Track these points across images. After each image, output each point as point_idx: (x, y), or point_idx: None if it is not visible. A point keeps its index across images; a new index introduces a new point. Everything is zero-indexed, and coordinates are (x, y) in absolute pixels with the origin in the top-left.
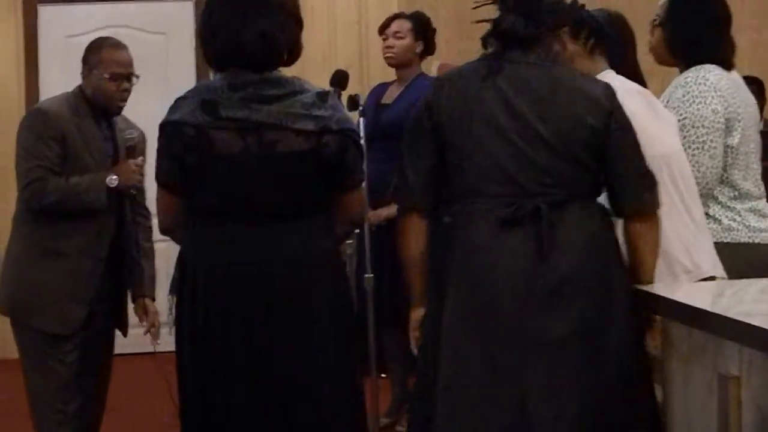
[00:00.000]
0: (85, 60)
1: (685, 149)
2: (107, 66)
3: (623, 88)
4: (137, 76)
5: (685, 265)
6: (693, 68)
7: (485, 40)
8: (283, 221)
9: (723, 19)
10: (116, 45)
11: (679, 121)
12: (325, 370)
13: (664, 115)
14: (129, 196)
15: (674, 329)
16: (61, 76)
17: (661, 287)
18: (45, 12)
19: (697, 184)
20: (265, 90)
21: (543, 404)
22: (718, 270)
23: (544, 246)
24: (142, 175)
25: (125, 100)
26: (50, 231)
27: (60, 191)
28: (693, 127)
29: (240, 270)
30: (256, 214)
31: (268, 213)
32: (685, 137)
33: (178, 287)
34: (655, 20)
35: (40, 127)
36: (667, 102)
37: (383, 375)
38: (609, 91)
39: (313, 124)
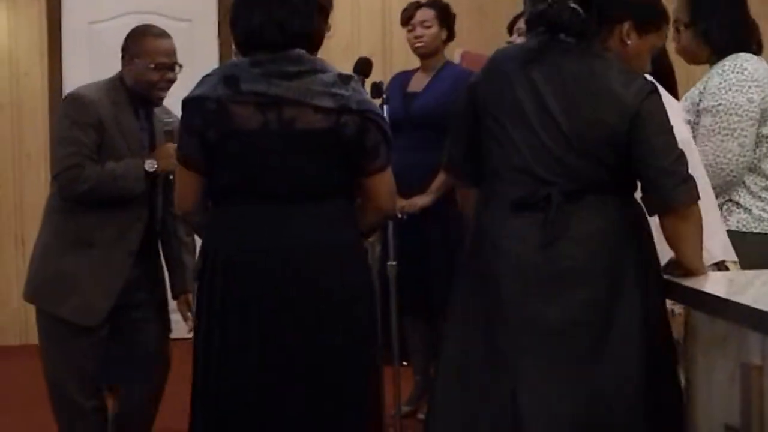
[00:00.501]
0: (126, 48)
1: (713, 135)
2: (152, 55)
3: None
4: (181, 66)
5: None
6: (730, 57)
7: (530, 24)
8: (301, 204)
9: (744, 3)
10: (161, 34)
11: (713, 107)
12: (338, 358)
13: (670, 103)
14: (165, 190)
15: (697, 318)
16: (84, 63)
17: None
18: None
19: (721, 170)
20: (285, 66)
21: (533, 400)
22: (729, 254)
23: (548, 233)
24: None
25: (167, 90)
26: (82, 221)
27: (95, 178)
28: (726, 113)
29: (254, 257)
30: (273, 195)
31: (286, 194)
32: (716, 123)
33: (199, 273)
34: (677, 23)
35: (77, 113)
36: (703, 89)
37: (405, 363)
38: (643, 90)
39: (333, 101)
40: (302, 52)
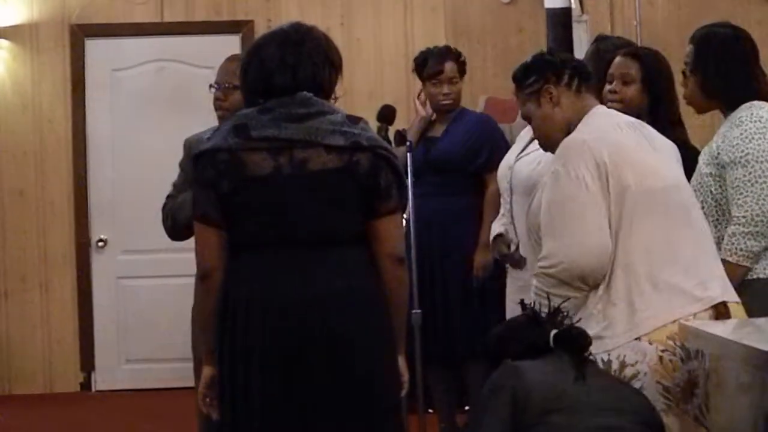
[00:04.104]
0: None
1: (750, 185)
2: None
3: (613, 123)
4: (217, 86)
5: (695, 294)
6: (743, 107)
7: None
8: (320, 250)
9: (752, 54)
10: (228, 58)
11: (741, 158)
12: (363, 408)
13: (661, 145)
14: None
15: (722, 366)
16: (107, 110)
17: (708, 324)
18: (92, 46)
19: (762, 218)
20: (294, 109)
21: None
22: (730, 295)
23: None
24: None
25: (217, 110)
26: None
27: (169, 210)
28: (757, 162)
29: (276, 303)
30: (291, 242)
31: (305, 239)
32: (750, 173)
33: (220, 317)
34: (685, 70)
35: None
36: (722, 141)
37: (430, 411)
38: None
39: (344, 139)
40: (310, 94)
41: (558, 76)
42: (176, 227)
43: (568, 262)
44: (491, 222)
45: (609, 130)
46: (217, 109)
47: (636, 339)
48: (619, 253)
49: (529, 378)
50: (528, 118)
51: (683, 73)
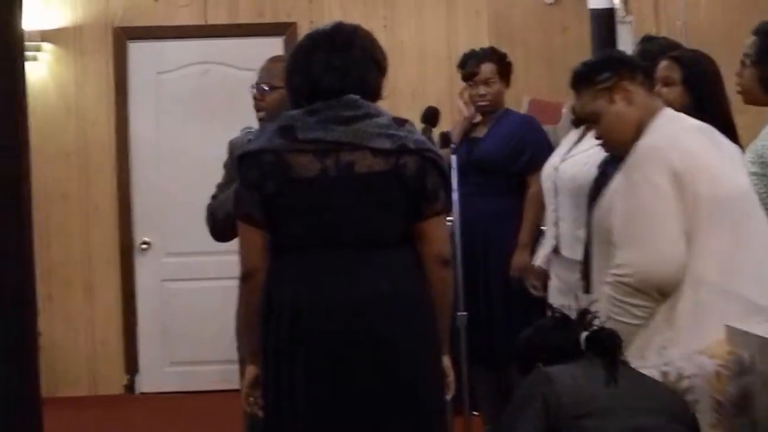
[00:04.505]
0: None
1: None
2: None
3: (682, 127)
4: (265, 88)
5: (762, 305)
6: None
7: None
8: (366, 252)
9: None
10: (270, 58)
11: None
12: (408, 410)
13: (728, 150)
14: None
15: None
16: (151, 113)
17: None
18: (135, 48)
19: None
20: (341, 111)
21: None
22: None
23: None
24: None
25: (258, 111)
26: None
27: (211, 210)
28: None
29: (321, 305)
30: (337, 244)
31: (350, 241)
32: None
33: (265, 318)
34: (744, 59)
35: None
36: None
37: (475, 413)
38: None
39: (390, 142)
40: (356, 97)
41: (632, 74)
42: (216, 226)
43: (646, 271)
44: (532, 223)
45: (680, 136)
46: (256, 109)
47: (697, 352)
48: (689, 262)
49: (560, 384)
50: (594, 115)
51: (742, 62)
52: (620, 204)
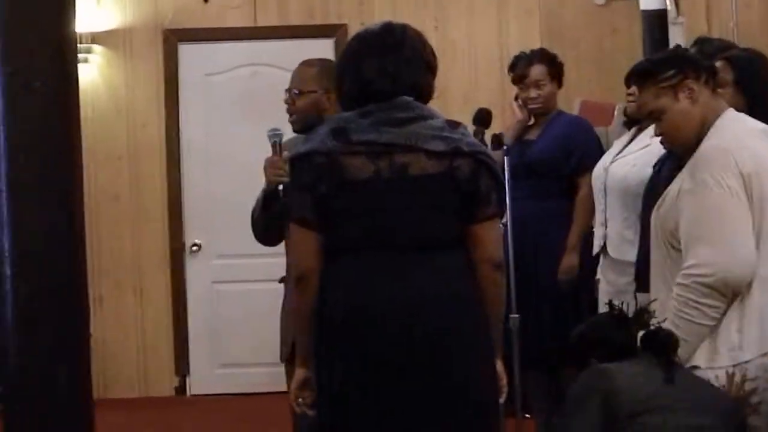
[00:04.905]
0: None
1: None
2: None
3: (747, 129)
4: (295, 92)
5: None
6: None
7: None
8: (419, 254)
9: None
10: (301, 62)
11: None
12: (460, 412)
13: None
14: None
15: None
16: (200, 114)
17: None
18: (185, 50)
19: None
20: (394, 113)
21: None
22: None
23: None
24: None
25: (290, 115)
26: None
27: (252, 214)
28: None
29: (375, 307)
30: (390, 246)
31: (404, 243)
32: None
33: (317, 320)
34: None
35: None
36: None
37: (528, 415)
38: None
39: (444, 144)
40: (410, 99)
41: (697, 72)
42: (255, 228)
43: (725, 270)
44: (581, 226)
45: (745, 138)
46: (288, 114)
47: (763, 355)
48: (758, 263)
49: (618, 381)
50: (657, 112)
51: None
52: (688, 204)
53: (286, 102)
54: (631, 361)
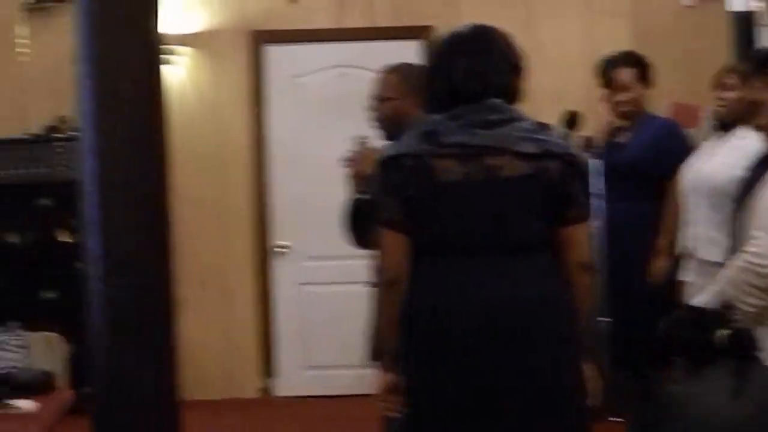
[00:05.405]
0: None
1: None
2: None
3: None
4: (379, 99)
5: None
6: None
7: None
8: (509, 257)
9: None
10: (384, 68)
11: None
12: (551, 416)
13: None
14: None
15: None
16: (288, 116)
17: None
18: (272, 52)
19: None
20: (484, 116)
21: None
22: None
23: None
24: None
25: (373, 121)
26: None
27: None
28: None
29: (467, 309)
30: (481, 249)
31: (493, 247)
32: None
33: (406, 324)
34: None
35: None
36: None
37: (618, 419)
38: None
39: (535, 146)
40: (499, 101)
41: None
42: (348, 233)
43: None
44: (670, 228)
45: None
46: (371, 120)
47: None
48: None
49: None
50: (763, 104)
51: None
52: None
53: (370, 109)
54: (707, 374)
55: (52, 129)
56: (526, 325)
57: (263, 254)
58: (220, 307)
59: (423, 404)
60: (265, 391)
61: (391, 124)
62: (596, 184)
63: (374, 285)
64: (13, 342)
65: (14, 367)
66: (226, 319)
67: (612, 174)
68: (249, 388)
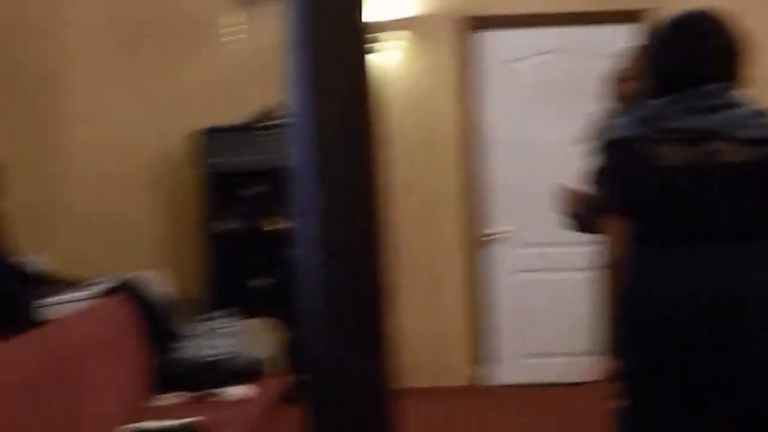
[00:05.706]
0: None
1: None
2: None
3: None
4: (623, 78)
5: None
6: None
7: None
8: (734, 244)
9: None
10: (630, 47)
11: None
12: None
13: None
14: None
15: None
16: (500, 102)
17: None
18: (485, 37)
19: None
20: (705, 100)
21: None
22: None
23: None
24: None
25: (616, 100)
26: None
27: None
28: None
29: (687, 301)
30: (704, 235)
31: (718, 233)
32: None
33: (628, 310)
34: None
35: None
36: None
37: None
38: None
39: (757, 132)
40: (721, 85)
41: None
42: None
43: None
44: None
45: None
46: (614, 98)
47: None
48: None
49: None
50: None
51: None
52: None
53: (610, 88)
54: None
55: (263, 116)
56: (750, 313)
57: (473, 241)
58: (429, 294)
59: (643, 391)
60: (477, 378)
61: (631, 105)
62: None
63: (597, 270)
64: (224, 329)
65: (227, 353)
66: (435, 306)
67: None
68: (457, 375)
